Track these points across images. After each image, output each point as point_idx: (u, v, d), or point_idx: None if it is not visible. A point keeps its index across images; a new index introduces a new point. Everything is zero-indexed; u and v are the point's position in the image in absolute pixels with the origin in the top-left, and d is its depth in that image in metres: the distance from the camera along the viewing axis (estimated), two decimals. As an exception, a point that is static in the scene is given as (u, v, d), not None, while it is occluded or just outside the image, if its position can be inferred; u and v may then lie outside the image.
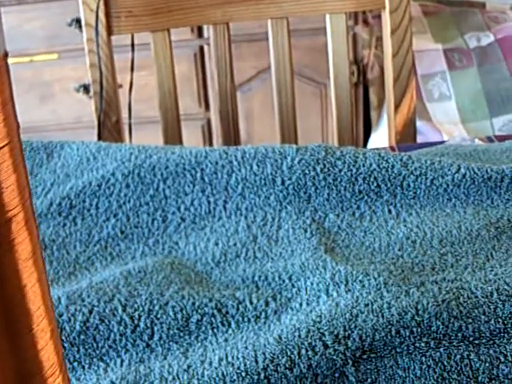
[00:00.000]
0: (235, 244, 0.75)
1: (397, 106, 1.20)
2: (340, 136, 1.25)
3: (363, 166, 0.80)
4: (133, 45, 1.22)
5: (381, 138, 2.10)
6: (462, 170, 0.80)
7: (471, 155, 0.94)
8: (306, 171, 0.80)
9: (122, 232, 0.80)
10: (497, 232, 0.73)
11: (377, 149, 1.05)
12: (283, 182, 0.80)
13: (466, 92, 2.12)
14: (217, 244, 0.76)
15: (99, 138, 1.20)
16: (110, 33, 1.19)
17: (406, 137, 1.21)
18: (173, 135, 1.24)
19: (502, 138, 1.07)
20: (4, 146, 0.32)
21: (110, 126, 1.20)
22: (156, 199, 0.82)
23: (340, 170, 0.80)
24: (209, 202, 0.81)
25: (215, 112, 2.01)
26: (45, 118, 2.00)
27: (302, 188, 0.80)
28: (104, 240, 0.79)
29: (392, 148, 1.03)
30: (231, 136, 1.23)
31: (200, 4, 1.18)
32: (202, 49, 1.97)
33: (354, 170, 0.80)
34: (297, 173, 0.80)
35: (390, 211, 0.78)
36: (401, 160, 0.80)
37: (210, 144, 2.11)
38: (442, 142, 1.04)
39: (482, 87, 2.12)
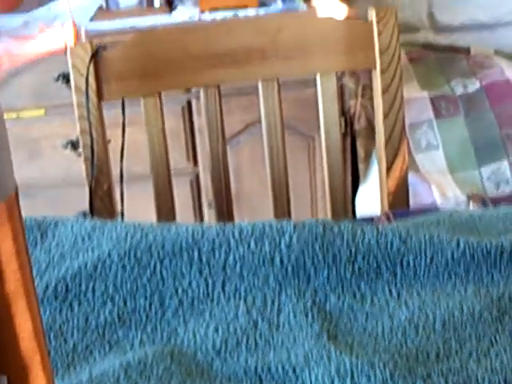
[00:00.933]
0: (235, 331, 0.74)
1: (388, 168, 1.20)
2: (332, 192, 1.24)
3: (362, 242, 0.79)
4: (123, 110, 1.21)
5: (369, 190, 2.10)
6: (462, 246, 0.79)
7: (467, 222, 0.93)
8: (305, 249, 0.79)
9: (119, 318, 0.78)
10: (499, 313, 0.72)
11: (372, 218, 1.04)
12: (282, 262, 0.79)
13: (453, 141, 2.13)
14: (217, 331, 0.74)
15: (91, 206, 1.19)
16: (100, 98, 1.18)
17: (399, 198, 1.21)
18: (165, 197, 1.23)
19: (496, 201, 1.06)
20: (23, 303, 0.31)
21: (101, 194, 1.19)
22: (153, 281, 0.81)
23: (339, 248, 0.79)
24: (207, 284, 0.80)
25: (205, 169, 2.01)
26: (33, 175, 1.99)
27: (302, 268, 0.79)
28: (101, 327, 0.78)
29: (387, 215, 1.03)
30: (223, 196, 1.22)
31: (190, 67, 1.17)
32: (189, 103, 1.97)
33: (354, 248, 0.79)
34: (295, 251, 0.79)
35: (390, 291, 0.77)
36: (399, 236, 0.80)
37: (199, 199, 2.10)
38: (437, 209, 1.04)
39: (470, 136, 2.12)
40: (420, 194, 1.99)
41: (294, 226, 0.81)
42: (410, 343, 0.69)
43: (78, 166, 1.99)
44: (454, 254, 0.79)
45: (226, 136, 1.26)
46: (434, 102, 2.17)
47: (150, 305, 0.80)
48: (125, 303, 0.80)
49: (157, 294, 0.80)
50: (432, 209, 1.05)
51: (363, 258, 0.79)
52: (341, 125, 2.00)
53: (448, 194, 2.06)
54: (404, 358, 0.66)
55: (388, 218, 1.02)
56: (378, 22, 1.14)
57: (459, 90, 2.19)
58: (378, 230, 0.80)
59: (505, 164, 2.09)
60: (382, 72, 1.16)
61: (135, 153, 1.88)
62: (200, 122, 1.99)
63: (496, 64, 2.23)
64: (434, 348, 0.68)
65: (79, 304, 0.80)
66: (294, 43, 1.16)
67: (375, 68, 1.17)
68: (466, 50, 2.36)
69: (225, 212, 1.24)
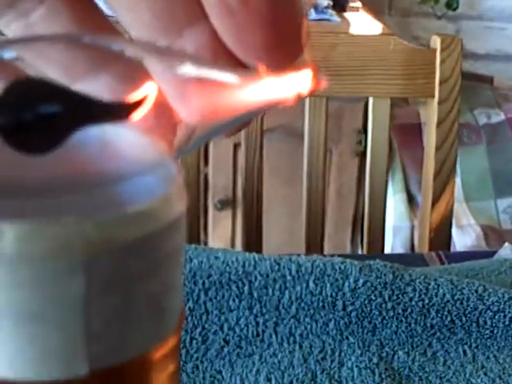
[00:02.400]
0: (291, 383, 0.65)
1: (434, 202, 1.11)
2: (371, 217, 1.16)
3: (436, 295, 0.71)
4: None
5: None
6: (544, 309, 0.71)
7: (532, 276, 0.86)
8: (372, 297, 0.71)
9: (156, 350, 0.69)
10: None
11: (422, 255, 0.97)
12: (345, 307, 0.71)
13: (472, 170, 2.06)
14: (269, 380, 0.65)
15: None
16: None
17: (442, 235, 1.13)
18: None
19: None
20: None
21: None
22: (196, 313, 0.72)
23: (410, 299, 0.71)
24: (257, 323, 0.71)
25: (214, 169, 1.93)
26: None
27: (367, 316, 0.70)
28: (136, 359, 0.69)
29: (439, 256, 0.95)
30: (252, 228, 1.14)
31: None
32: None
33: (427, 300, 0.71)
34: (361, 297, 0.71)
35: (465, 352, 0.69)
36: (476, 291, 0.72)
37: (205, 200, 2.02)
38: (492, 253, 0.96)
39: (490, 166, 2.06)
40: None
41: (360, 269, 0.72)
42: (497, 421, 0.61)
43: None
44: (536, 316, 0.71)
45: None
46: (456, 128, 2.10)
47: (191, 340, 0.71)
48: (162, 335, 0.71)
49: (199, 327, 0.71)
50: (484, 253, 0.97)
51: (436, 313, 0.70)
52: (360, 142, 1.93)
53: (462, 222, 2.00)
54: None
55: (440, 259, 0.95)
56: (442, 50, 1.06)
57: (482, 120, 2.12)
58: (452, 283, 0.72)
59: (523, 198, 2.03)
60: (440, 102, 1.08)
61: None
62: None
63: (521, 97, 2.17)
64: (524, 430, 0.60)
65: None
66: (349, 62, 1.08)
67: (433, 97, 1.09)
68: (489, 80, 2.29)
69: (254, 223, 1.16)
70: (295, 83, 0.21)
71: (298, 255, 0.76)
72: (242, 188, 1.15)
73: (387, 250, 1.96)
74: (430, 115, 1.10)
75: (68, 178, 0.20)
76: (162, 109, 0.21)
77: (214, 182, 1.99)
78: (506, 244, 0.98)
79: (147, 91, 0.20)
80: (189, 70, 0.20)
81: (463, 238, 1.95)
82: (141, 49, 0.21)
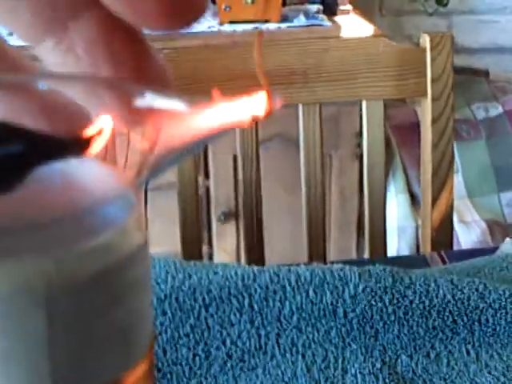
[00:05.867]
0: (296, 393, 0.65)
1: (434, 201, 1.11)
2: (371, 222, 1.15)
3: (436, 297, 0.71)
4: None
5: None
6: (546, 304, 0.71)
7: (534, 270, 0.85)
8: (373, 302, 0.70)
9: (158, 370, 0.69)
10: None
11: (424, 256, 0.96)
12: (346, 314, 0.71)
13: (473, 165, 2.06)
14: (274, 391, 0.65)
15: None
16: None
17: (443, 234, 1.12)
18: (191, 214, 1.15)
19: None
20: None
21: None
22: (197, 330, 0.72)
23: (411, 302, 0.70)
24: (259, 336, 0.71)
25: (216, 183, 1.93)
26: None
27: (369, 322, 0.70)
28: (140, 379, 0.69)
29: (441, 256, 0.94)
30: (254, 238, 1.14)
31: (227, 86, 1.09)
32: (204, 116, 1.88)
33: (427, 302, 0.70)
34: (361, 303, 0.71)
35: (468, 352, 0.69)
36: (477, 290, 0.71)
37: (208, 213, 2.02)
38: (494, 249, 0.96)
39: (490, 160, 2.05)
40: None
41: (359, 275, 0.72)
42: (503, 420, 0.60)
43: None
44: (538, 312, 0.70)
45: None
46: (454, 124, 2.10)
47: (194, 356, 0.71)
48: (165, 353, 0.71)
49: (201, 343, 0.71)
50: (486, 250, 0.97)
51: (438, 314, 0.70)
52: (359, 145, 1.93)
53: (467, 219, 2.00)
54: None
55: (442, 259, 0.95)
56: (432, 49, 1.06)
57: (480, 114, 2.12)
58: (452, 282, 0.72)
59: (526, 191, 2.03)
60: (433, 100, 1.08)
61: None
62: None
63: (518, 89, 2.17)
64: (531, 427, 0.59)
65: (113, 351, 0.71)
66: (340, 66, 1.08)
67: (426, 96, 1.09)
68: (485, 73, 2.29)
69: (255, 234, 1.16)
70: (249, 106, 0.21)
71: (298, 265, 0.76)
72: (242, 200, 1.15)
73: (393, 251, 1.95)
74: (425, 114, 1.10)
75: (28, 214, 0.20)
76: (120, 140, 0.21)
77: (216, 194, 1.99)
78: (508, 239, 0.98)
79: (102, 124, 0.20)
80: (143, 99, 0.20)
81: (468, 235, 1.95)
82: (92, 82, 0.21)
